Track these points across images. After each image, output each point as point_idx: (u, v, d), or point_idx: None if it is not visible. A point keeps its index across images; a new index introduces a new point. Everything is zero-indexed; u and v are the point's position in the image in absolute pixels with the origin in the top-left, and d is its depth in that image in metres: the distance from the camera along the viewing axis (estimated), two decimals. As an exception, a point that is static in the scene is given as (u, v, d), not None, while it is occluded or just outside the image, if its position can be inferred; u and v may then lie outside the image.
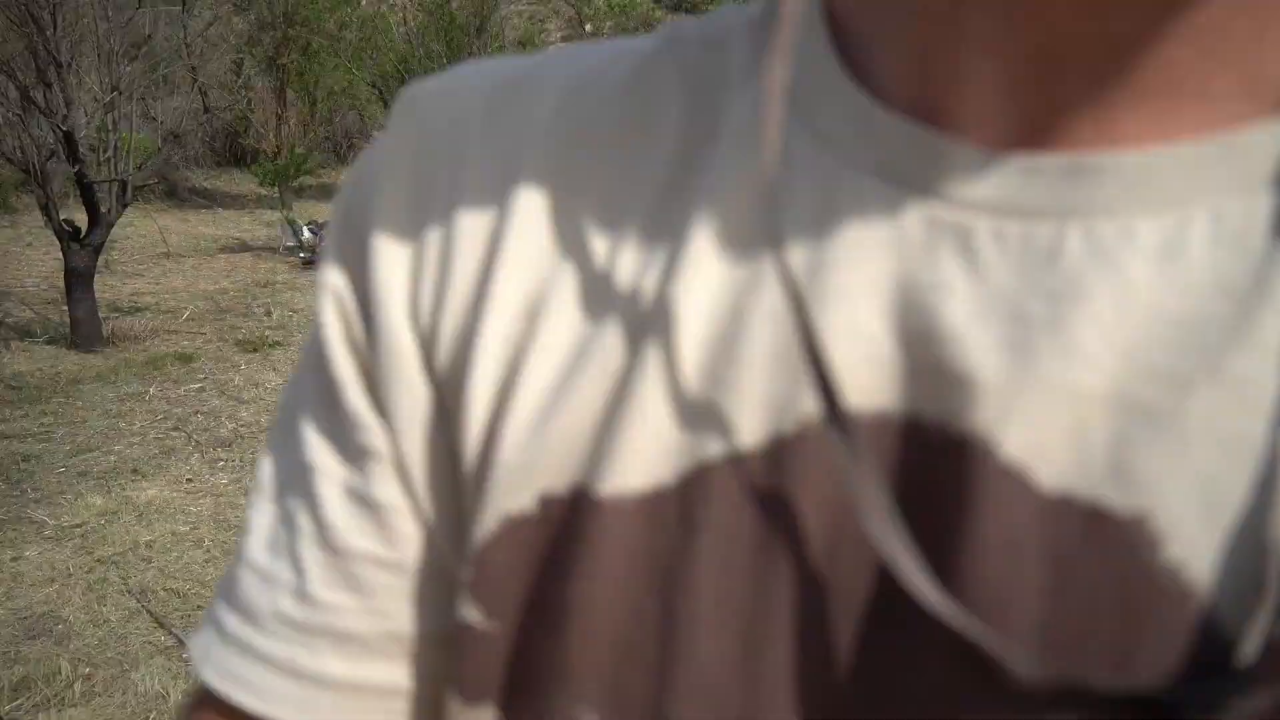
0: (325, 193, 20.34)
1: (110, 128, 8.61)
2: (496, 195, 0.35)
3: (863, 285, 0.28)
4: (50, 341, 8.11)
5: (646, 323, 0.31)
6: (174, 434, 6.32)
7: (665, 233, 0.32)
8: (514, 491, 0.32)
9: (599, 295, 0.33)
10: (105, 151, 8.56)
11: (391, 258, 0.36)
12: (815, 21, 0.33)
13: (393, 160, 0.38)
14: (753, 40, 0.34)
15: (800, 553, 0.28)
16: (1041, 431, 0.25)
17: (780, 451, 0.29)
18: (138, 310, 9.51)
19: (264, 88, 22.80)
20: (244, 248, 13.67)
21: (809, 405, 0.28)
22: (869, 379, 0.28)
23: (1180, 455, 0.24)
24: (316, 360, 0.38)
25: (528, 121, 0.36)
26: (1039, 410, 0.25)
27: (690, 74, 0.35)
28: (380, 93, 16.47)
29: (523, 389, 0.33)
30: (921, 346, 0.27)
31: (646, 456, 0.30)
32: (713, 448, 0.30)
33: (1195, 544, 0.24)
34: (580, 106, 0.36)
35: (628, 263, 0.33)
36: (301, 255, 12.94)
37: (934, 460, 0.27)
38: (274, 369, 7.72)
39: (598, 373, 0.32)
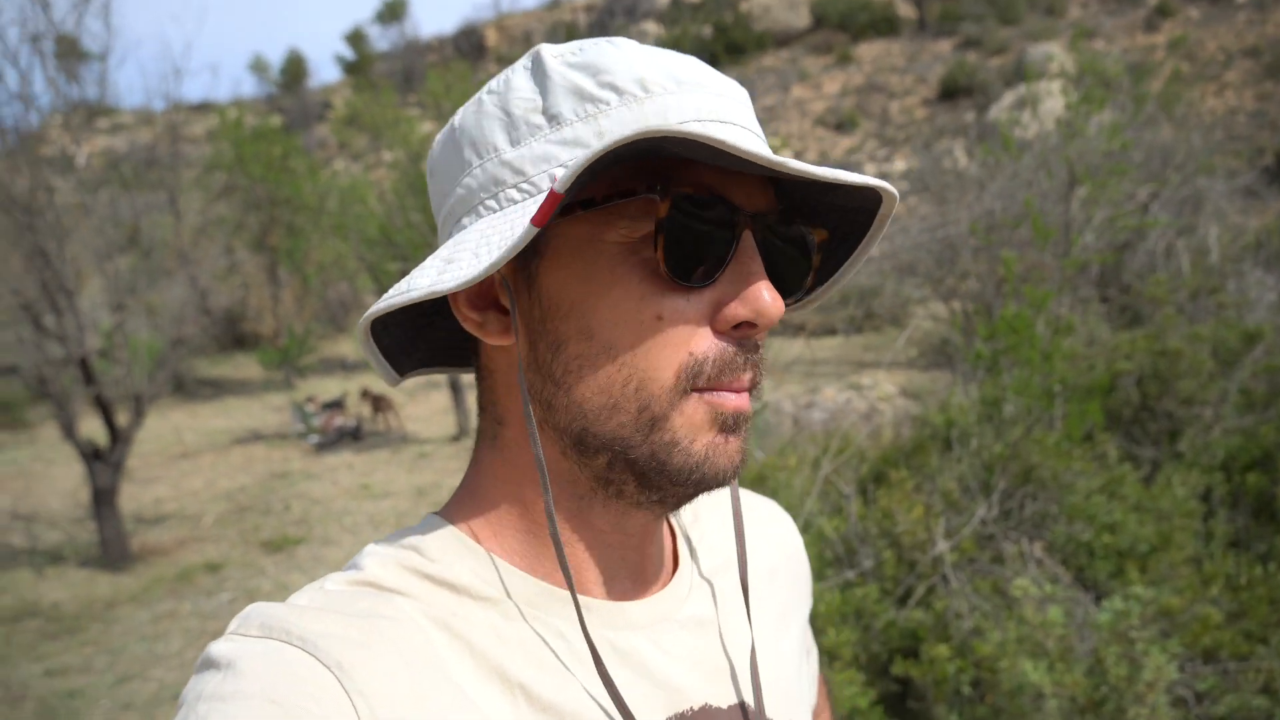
0: (327, 367, 20.98)
1: (121, 340, 8.87)
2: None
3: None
4: (82, 564, 8.37)
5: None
6: (212, 653, 6.52)
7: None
8: None
9: None
10: (119, 367, 8.80)
11: None
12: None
13: None
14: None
15: None
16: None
17: None
18: (161, 519, 9.82)
19: (255, 269, 23.66)
20: (256, 437, 14.09)
21: None
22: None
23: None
24: None
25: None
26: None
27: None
28: (366, 261, 17.03)
29: None
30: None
31: None
32: None
33: None
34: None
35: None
36: (312, 440, 13.40)
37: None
38: (299, 569, 7.95)
39: None
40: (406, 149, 14.80)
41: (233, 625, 0.60)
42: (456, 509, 0.74)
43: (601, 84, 0.65)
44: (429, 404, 15.51)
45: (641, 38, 50.21)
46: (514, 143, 0.66)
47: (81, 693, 6.04)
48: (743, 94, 0.70)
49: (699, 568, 0.81)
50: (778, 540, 0.92)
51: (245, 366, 20.48)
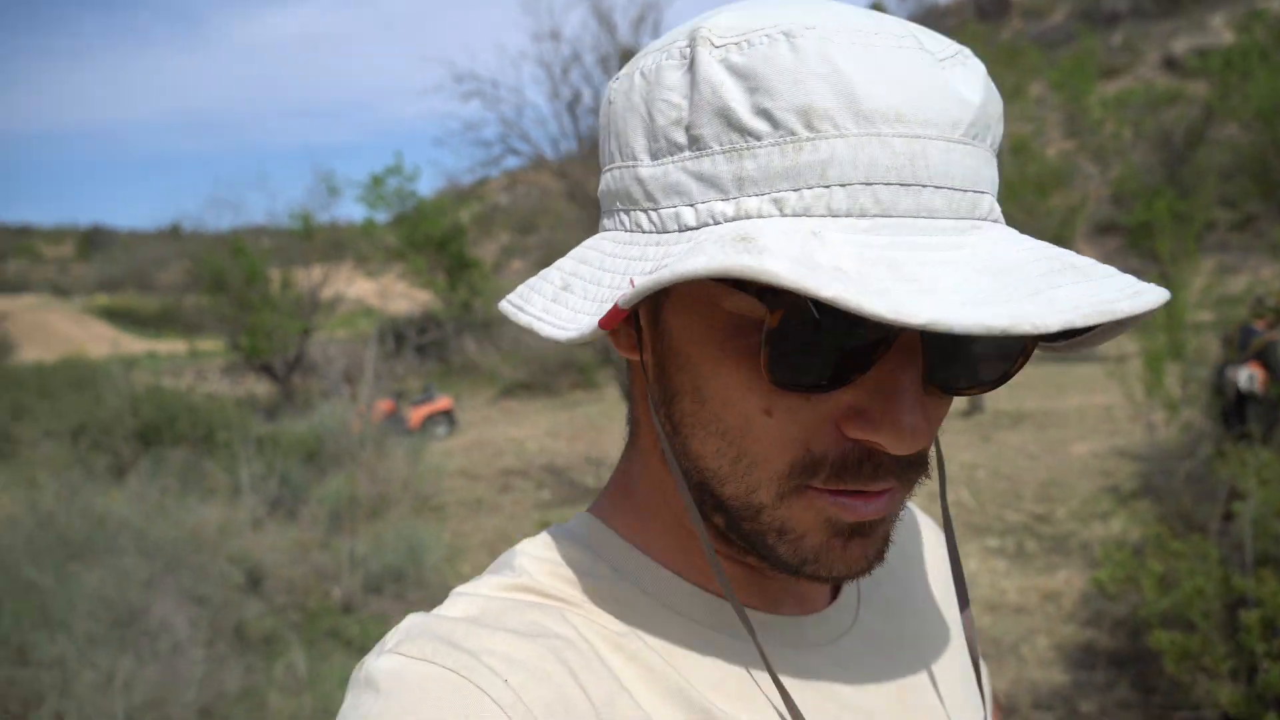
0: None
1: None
2: None
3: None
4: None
5: None
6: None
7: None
8: None
9: None
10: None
11: None
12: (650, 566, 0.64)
13: None
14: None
15: None
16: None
17: None
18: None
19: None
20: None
21: None
22: None
23: None
24: None
25: None
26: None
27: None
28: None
29: None
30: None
31: None
32: None
33: None
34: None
35: None
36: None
37: None
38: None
39: None
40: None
41: (391, 639, 0.56)
42: (610, 508, 0.67)
43: (756, 109, 0.50)
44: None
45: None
46: (653, 156, 0.55)
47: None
48: (975, 101, 0.52)
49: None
50: (927, 550, 0.81)
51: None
